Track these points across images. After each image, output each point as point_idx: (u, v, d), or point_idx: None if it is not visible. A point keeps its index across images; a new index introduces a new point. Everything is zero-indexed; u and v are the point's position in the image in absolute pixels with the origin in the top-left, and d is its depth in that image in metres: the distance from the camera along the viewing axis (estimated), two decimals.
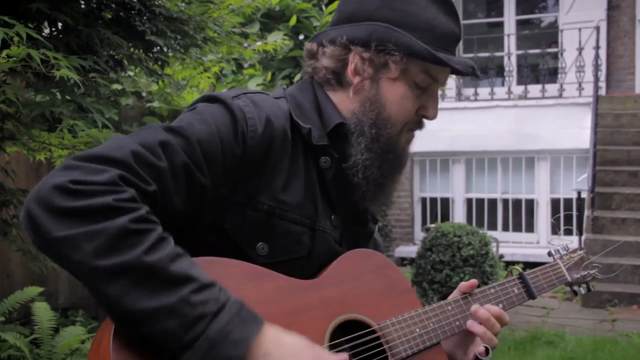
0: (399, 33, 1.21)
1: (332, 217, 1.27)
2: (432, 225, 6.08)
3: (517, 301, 1.42)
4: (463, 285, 1.37)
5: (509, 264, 7.46)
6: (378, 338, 1.21)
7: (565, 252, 1.59)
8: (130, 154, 0.99)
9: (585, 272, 1.58)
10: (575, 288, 1.60)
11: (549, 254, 1.58)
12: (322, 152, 1.23)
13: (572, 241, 1.59)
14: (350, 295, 1.20)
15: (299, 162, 1.21)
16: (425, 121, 1.32)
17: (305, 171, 1.21)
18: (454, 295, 1.38)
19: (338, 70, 1.27)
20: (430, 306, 1.30)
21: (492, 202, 8.42)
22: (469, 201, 8.55)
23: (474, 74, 1.30)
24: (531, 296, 1.44)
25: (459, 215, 8.47)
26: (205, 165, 1.08)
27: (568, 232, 4.91)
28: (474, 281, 1.36)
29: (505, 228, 8.34)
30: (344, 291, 1.20)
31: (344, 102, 1.27)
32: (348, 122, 1.25)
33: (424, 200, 8.74)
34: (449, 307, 1.32)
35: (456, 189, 8.57)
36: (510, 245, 8.04)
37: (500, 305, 1.37)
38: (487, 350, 1.30)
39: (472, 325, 1.31)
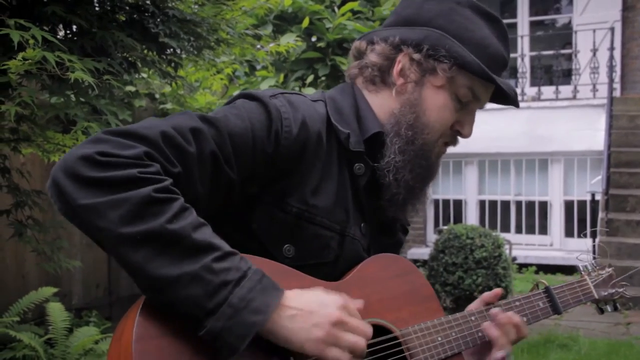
0: (453, 42, 1.23)
1: (362, 224, 1.26)
2: (445, 227, 6.04)
3: (541, 315, 1.40)
4: (486, 295, 1.35)
5: (522, 266, 7.41)
6: (399, 344, 1.20)
7: (593, 269, 1.55)
8: (159, 134, 1.01)
9: (613, 290, 1.54)
10: (602, 306, 1.56)
11: (577, 269, 1.55)
12: (357, 159, 1.23)
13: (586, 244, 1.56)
14: (373, 300, 1.20)
15: (332, 167, 1.20)
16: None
17: (338, 176, 1.21)
18: (476, 305, 1.35)
19: (384, 68, 1.27)
20: (453, 315, 1.29)
21: (505, 204, 8.37)
22: (481, 203, 8.51)
23: (515, 102, 1.29)
24: (556, 311, 1.42)
25: (471, 217, 8.43)
26: (234, 159, 1.08)
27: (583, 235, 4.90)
28: (498, 290, 1.34)
29: (519, 230, 8.29)
30: (368, 295, 1.19)
31: (386, 103, 1.27)
32: (386, 129, 1.25)
33: (436, 202, 8.70)
34: (472, 318, 1.31)
35: (469, 191, 8.52)
36: (524, 247, 7.99)
37: (525, 319, 1.35)
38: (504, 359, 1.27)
39: (489, 327, 1.28)
